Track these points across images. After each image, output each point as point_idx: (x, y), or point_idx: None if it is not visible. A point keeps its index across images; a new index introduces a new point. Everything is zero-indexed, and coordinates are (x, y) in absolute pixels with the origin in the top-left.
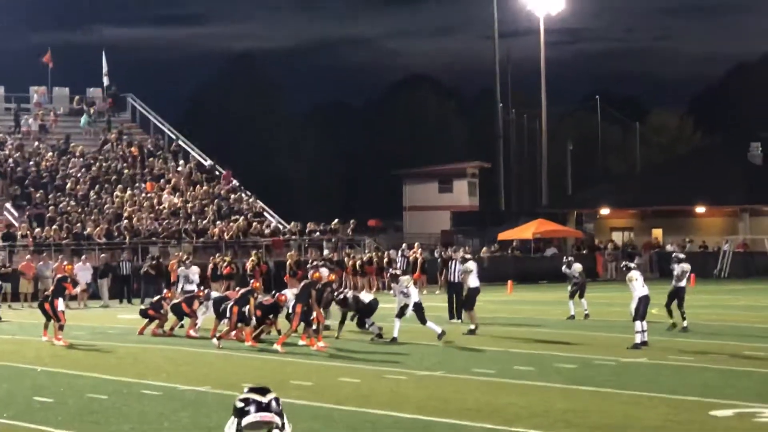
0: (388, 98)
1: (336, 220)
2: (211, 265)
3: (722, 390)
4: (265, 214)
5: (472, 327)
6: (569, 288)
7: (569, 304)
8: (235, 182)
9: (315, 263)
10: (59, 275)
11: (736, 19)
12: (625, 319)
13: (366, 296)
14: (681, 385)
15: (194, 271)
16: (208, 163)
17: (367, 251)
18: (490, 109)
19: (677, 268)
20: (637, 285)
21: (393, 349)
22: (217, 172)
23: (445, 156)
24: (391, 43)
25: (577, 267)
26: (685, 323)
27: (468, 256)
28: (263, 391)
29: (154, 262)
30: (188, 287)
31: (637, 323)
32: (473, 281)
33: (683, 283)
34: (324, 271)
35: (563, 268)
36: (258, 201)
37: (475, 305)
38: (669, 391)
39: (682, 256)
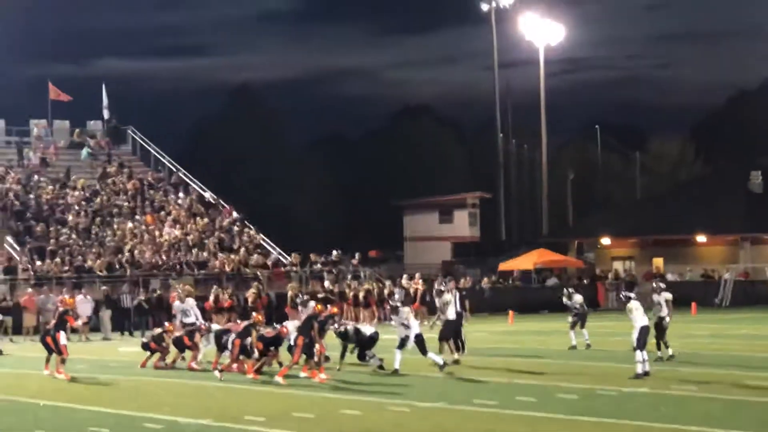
0: (388, 129)
1: (335, 252)
2: (212, 298)
3: (725, 420)
4: (266, 245)
5: (441, 362)
6: (570, 319)
7: (570, 334)
8: (237, 216)
9: (304, 297)
10: (61, 308)
11: (737, 46)
12: (627, 349)
13: (367, 328)
14: (683, 415)
15: (190, 304)
16: (208, 194)
17: (365, 282)
18: (491, 140)
19: (657, 298)
20: (638, 315)
21: (395, 380)
22: (219, 207)
23: (445, 186)
24: (391, 74)
25: (578, 298)
26: (669, 351)
27: (443, 288)
28: None
29: (148, 295)
30: (186, 320)
31: (638, 353)
32: (450, 313)
33: (664, 313)
34: (311, 304)
35: (564, 299)
36: (259, 233)
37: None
38: (671, 421)
39: (663, 285)
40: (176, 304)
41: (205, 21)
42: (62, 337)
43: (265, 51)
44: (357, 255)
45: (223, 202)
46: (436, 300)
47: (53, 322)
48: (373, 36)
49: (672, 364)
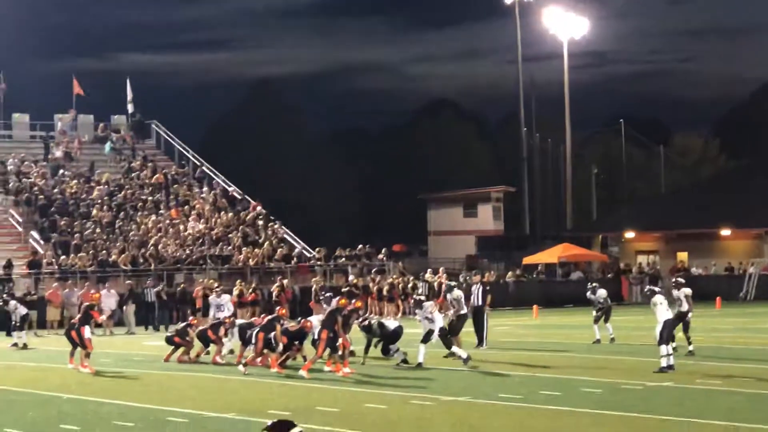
0: (412, 123)
1: (360, 246)
2: (236, 292)
3: (749, 414)
4: (290, 239)
5: (465, 355)
6: (594, 313)
7: (594, 328)
8: (261, 210)
9: (327, 293)
10: (86, 303)
11: (760, 40)
12: (651, 343)
13: (391, 323)
14: (708, 409)
15: (225, 299)
16: (232, 188)
17: (391, 276)
18: (515, 133)
19: (676, 294)
20: (662, 309)
21: (418, 374)
22: (244, 201)
23: (469, 180)
24: (414, 68)
25: (602, 292)
26: (690, 347)
27: (453, 283)
28: (288, 425)
29: (170, 289)
30: (219, 315)
31: (663, 347)
32: (463, 308)
33: (685, 308)
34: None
35: (588, 293)
36: (282, 227)
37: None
38: (696, 415)
39: (682, 280)
40: (211, 298)
41: (227, 15)
42: (87, 331)
43: (287, 45)
44: (383, 249)
45: (248, 197)
46: (447, 295)
47: (78, 316)
48: (395, 30)
49: (696, 358)
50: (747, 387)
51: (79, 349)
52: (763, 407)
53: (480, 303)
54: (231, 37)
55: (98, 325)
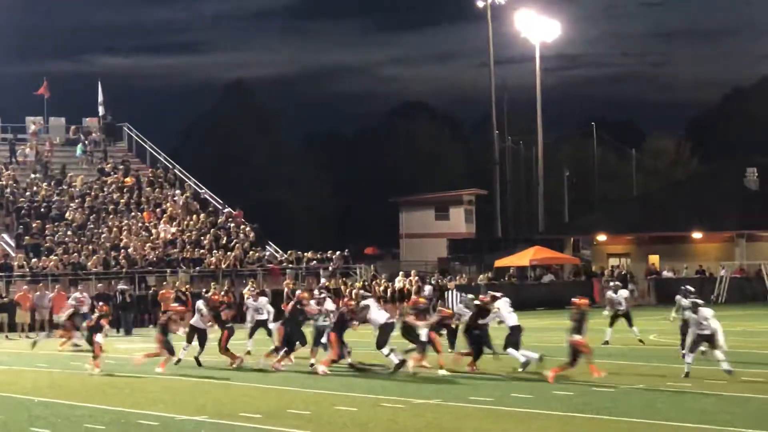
0: (384, 126)
1: (337, 253)
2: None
3: (720, 416)
4: (262, 242)
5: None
6: (607, 312)
7: (608, 331)
8: (232, 212)
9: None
10: (99, 312)
11: (733, 43)
12: (621, 345)
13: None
14: (679, 411)
15: (263, 302)
16: (204, 191)
17: (361, 279)
18: (487, 137)
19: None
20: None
21: (390, 377)
22: (215, 204)
23: (441, 183)
24: (387, 70)
25: (624, 293)
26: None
27: (364, 293)
28: None
29: (136, 292)
30: (259, 317)
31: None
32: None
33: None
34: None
35: (609, 293)
36: (254, 230)
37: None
38: (667, 418)
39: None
40: (249, 301)
41: (200, 18)
42: (98, 336)
43: (260, 47)
44: (338, 252)
45: (220, 200)
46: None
47: (86, 324)
48: (369, 32)
49: (667, 361)
50: (718, 389)
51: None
52: (734, 410)
53: (455, 308)
54: (204, 39)
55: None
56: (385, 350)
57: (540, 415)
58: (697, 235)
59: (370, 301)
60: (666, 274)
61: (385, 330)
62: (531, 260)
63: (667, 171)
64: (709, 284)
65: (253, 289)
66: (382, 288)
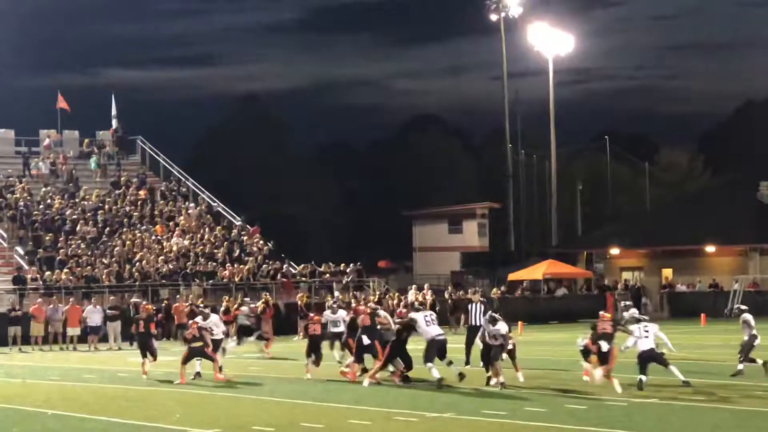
0: (397, 138)
1: (351, 266)
2: (222, 308)
3: (734, 430)
4: (275, 255)
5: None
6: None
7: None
8: (243, 223)
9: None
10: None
11: (745, 56)
12: (633, 359)
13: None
14: (692, 425)
15: (341, 315)
16: (217, 204)
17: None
18: (500, 150)
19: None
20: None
21: (403, 390)
22: (229, 217)
23: (454, 197)
24: (400, 83)
25: (634, 311)
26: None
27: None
28: None
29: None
30: (335, 330)
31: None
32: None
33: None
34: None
35: (622, 312)
36: (268, 243)
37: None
38: None
39: (743, 307)
40: (327, 314)
41: (213, 31)
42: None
43: (273, 60)
44: (351, 265)
45: (232, 213)
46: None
47: (135, 328)
48: (382, 46)
49: (682, 375)
50: (732, 403)
51: (148, 358)
52: (749, 423)
53: (477, 322)
54: (217, 52)
55: (81, 340)
56: (430, 364)
57: (553, 429)
58: (710, 248)
59: (419, 315)
60: (680, 287)
61: (432, 344)
62: (544, 274)
63: (680, 184)
64: (723, 298)
65: (334, 301)
66: (395, 302)
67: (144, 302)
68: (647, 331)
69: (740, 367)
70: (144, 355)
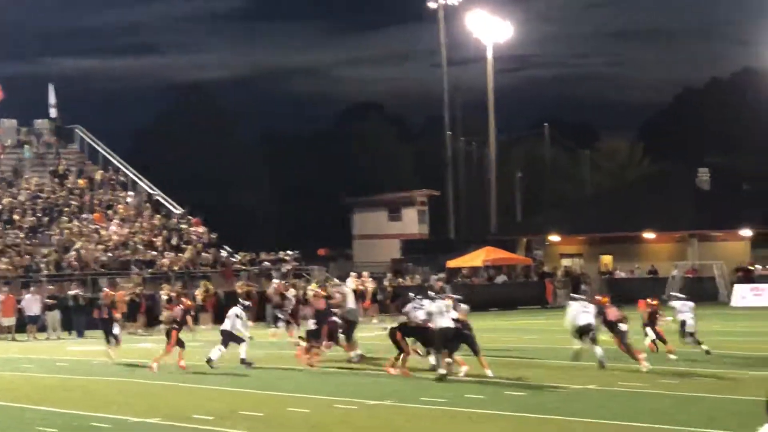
0: (337, 127)
1: (290, 254)
2: (164, 296)
3: (673, 416)
4: (215, 244)
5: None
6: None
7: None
8: (183, 211)
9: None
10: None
11: (684, 44)
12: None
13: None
14: (631, 411)
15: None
16: (157, 193)
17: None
18: (439, 137)
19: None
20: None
21: (343, 378)
22: (168, 206)
23: (394, 184)
24: (340, 71)
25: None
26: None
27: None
28: None
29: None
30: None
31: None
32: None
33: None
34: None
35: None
36: (207, 231)
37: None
38: (619, 418)
39: (681, 295)
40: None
41: (155, 20)
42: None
43: (216, 49)
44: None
45: (172, 202)
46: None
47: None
48: (322, 34)
49: (620, 361)
50: (671, 389)
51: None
52: (687, 409)
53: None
54: (159, 41)
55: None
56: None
57: (493, 416)
58: (649, 235)
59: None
60: (619, 274)
61: (439, 334)
62: (484, 261)
63: (620, 171)
64: (662, 284)
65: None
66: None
67: (107, 288)
68: (586, 308)
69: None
70: (108, 341)
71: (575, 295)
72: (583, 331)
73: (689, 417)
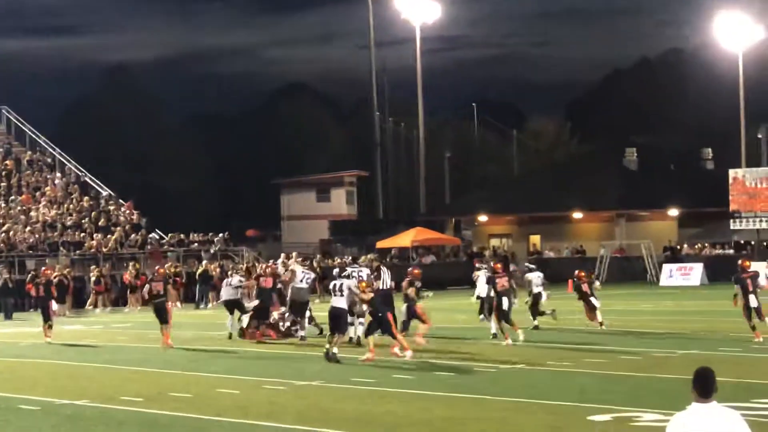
0: (266, 107)
1: (219, 235)
2: (93, 278)
3: (599, 395)
4: (143, 225)
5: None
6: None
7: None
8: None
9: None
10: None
11: (613, 24)
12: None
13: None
14: (559, 390)
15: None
16: (85, 174)
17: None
18: (368, 118)
19: (530, 276)
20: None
21: (275, 360)
22: (96, 187)
23: (323, 165)
24: (270, 52)
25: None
26: (535, 322)
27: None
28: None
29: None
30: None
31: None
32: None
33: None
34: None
35: (527, 275)
36: (135, 212)
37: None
38: (547, 397)
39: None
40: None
41: (80, 1)
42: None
43: (141, 29)
44: (221, 234)
45: (100, 183)
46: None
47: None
48: (251, 14)
49: (548, 340)
50: (597, 368)
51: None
52: (614, 388)
53: (389, 286)
54: (84, 22)
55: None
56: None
57: (422, 396)
58: (577, 215)
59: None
60: (547, 253)
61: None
62: (413, 241)
63: (548, 152)
64: (589, 264)
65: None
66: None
67: (44, 267)
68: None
69: (535, 323)
70: (46, 320)
71: (480, 264)
72: (483, 303)
73: (615, 396)
